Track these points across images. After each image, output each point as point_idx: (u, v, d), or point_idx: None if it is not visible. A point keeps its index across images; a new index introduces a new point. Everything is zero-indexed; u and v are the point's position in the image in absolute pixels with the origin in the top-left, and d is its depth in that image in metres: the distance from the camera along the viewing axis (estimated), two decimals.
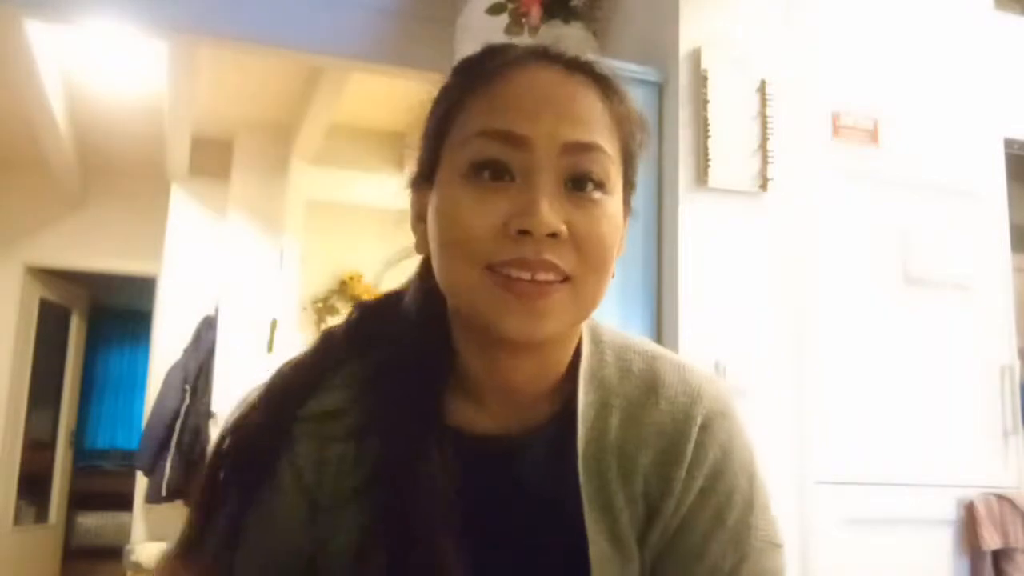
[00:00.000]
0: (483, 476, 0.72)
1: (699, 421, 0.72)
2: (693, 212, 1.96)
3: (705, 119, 1.98)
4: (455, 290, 0.69)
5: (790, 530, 1.92)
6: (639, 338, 0.80)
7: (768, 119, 2.03)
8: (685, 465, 0.71)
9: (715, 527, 0.71)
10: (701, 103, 1.99)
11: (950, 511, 2.07)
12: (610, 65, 0.73)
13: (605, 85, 0.71)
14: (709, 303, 1.95)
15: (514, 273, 0.64)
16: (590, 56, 0.72)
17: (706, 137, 1.97)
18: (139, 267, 5.66)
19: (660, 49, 2.08)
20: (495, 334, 0.67)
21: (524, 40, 2.23)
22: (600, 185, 0.68)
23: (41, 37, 3.68)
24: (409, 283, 0.81)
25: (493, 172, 0.66)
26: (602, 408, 0.73)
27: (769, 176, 2.02)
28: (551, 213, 0.64)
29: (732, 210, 2.00)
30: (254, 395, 0.77)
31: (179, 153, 4.89)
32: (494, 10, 2.31)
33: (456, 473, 0.71)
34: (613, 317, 1.89)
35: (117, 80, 4.33)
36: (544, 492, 0.73)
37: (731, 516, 0.71)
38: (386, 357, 0.75)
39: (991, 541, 2.02)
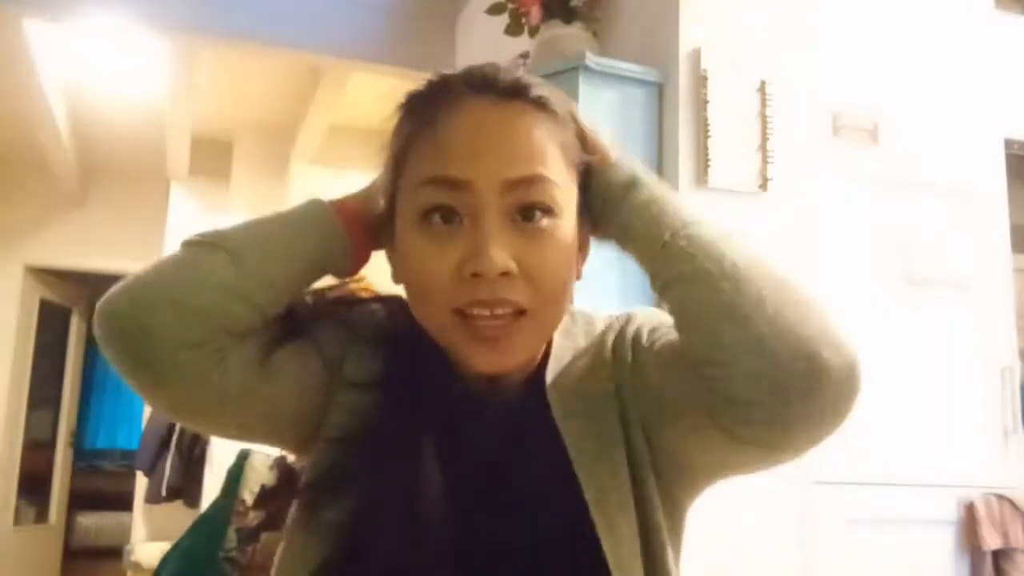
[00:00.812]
0: (469, 421, 0.77)
1: (615, 327, 0.81)
2: None
3: (705, 119, 1.98)
4: (428, 328, 0.74)
5: (790, 530, 1.92)
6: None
7: (768, 119, 2.03)
8: (629, 342, 0.78)
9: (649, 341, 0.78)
10: (701, 103, 1.99)
11: (950, 511, 2.07)
12: (541, 81, 0.75)
13: (543, 106, 0.73)
14: None
15: (476, 311, 0.69)
16: (524, 76, 0.74)
17: (706, 137, 1.97)
18: (139, 267, 5.65)
19: (660, 49, 2.08)
20: (467, 368, 0.73)
21: (523, 41, 2.24)
22: (548, 211, 0.70)
23: (41, 37, 3.68)
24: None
25: (443, 216, 0.70)
26: (572, 358, 0.79)
27: (769, 176, 2.02)
28: (499, 254, 0.67)
29: (732, 210, 2.00)
30: None
31: (179, 153, 4.89)
32: (494, 10, 2.31)
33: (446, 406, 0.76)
34: None
35: (117, 80, 4.33)
36: (528, 436, 0.76)
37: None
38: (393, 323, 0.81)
39: (991, 541, 2.02)
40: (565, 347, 0.80)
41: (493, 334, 0.69)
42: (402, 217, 0.73)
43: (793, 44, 2.14)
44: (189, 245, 0.75)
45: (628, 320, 0.82)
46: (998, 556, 2.05)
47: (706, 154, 1.97)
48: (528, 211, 0.70)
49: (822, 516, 1.95)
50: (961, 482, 2.09)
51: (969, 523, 2.05)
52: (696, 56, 2.02)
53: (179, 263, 0.73)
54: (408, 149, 0.74)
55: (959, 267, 2.21)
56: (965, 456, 2.12)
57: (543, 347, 0.79)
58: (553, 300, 0.72)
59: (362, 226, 0.78)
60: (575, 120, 0.76)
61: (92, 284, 6.53)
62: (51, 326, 6.27)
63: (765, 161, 2.02)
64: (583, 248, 0.79)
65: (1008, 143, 2.34)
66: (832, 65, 2.19)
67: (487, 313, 0.69)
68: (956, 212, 2.23)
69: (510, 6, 2.27)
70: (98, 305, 0.72)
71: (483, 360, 0.71)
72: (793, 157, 2.06)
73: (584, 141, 0.76)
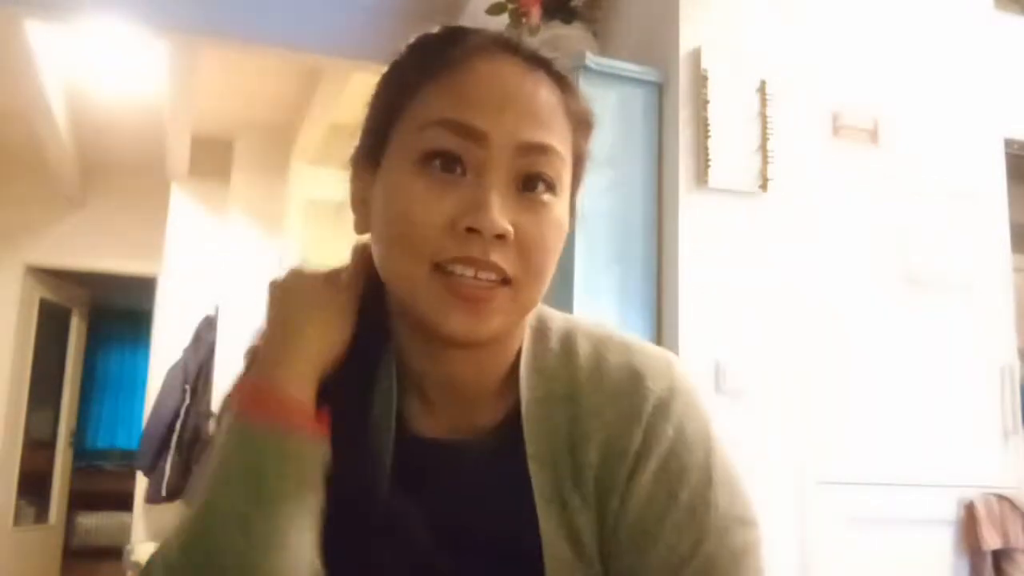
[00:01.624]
0: (434, 480, 0.71)
1: (647, 410, 0.68)
2: (693, 212, 1.96)
3: (705, 119, 1.98)
4: (398, 283, 0.67)
5: (790, 530, 1.92)
6: (594, 322, 0.77)
7: (768, 119, 2.04)
8: (628, 462, 0.67)
9: (668, 507, 0.66)
10: (701, 103, 1.99)
11: (950, 511, 2.07)
12: (564, 62, 0.72)
13: (563, 83, 0.70)
14: (709, 303, 1.95)
15: (459, 270, 0.63)
16: (548, 52, 0.71)
17: (706, 137, 1.97)
18: (139, 267, 5.66)
19: (660, 49, 2.08)
20: (436, 332, 0.65)
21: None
22: (550, 187, 0.67)
23: (41, 37, 3.68)
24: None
25: (444, 163, 0.65)
26: (548, 402, 0.70)
27: (769, 176, 2.02)
28: (501, 214, 0.63)
29: (732, 210, 2.00)
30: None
31: (179, 153, 4.89)
32: (494, 10, 2.31)
33: (401, 476, 0.69)
34: (613, 317, 1.89)
35: (117, 80, 4.33)
36: (498, 495, 0.70)
37: (684, 493, 0.66)
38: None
39: (991, 541, 2.02)
40: (538, 383, 0.71)
41: (474, 294, 0.64)
42: (395, 157, 0.67)
43: (793, 44, 2.14)
44: None
45: (666, 410, 0.69)
46: (998, 556, 2.05)
47: (706, 154, 1.97)
48: (532, 182, 0.66)
49: (822, 516, 1.95)
50: (961, 482, 2.09)
51: (969, 523, 2.05)
52: (696, 56, 2.02)
53: None
54: (417, 86, 0.68)
55: (959, 267, 2.21)
56: (965, 456, 2.12)
57: (515, 350, 0.72)
58: (537, 277, 0.66)
59: (316, 415, 0.67)
60: (581, 105, 0.72)
61: (92, 284, 6.55)
62: (51, 326, 6.27)
63: (765, 161, 2.02)
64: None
65: (1008, 143, 2.34)
66: (832, 65, 2.19)
67: (471, 274, 0.63)
68: (956, 212, 2.23)
69: (510, 6, 2.27)
70: None
71: (459, 322, 0.64)
72: (793, 157, 2.06)
73: (587, 129, 0.72)
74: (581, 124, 0.71)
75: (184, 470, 4.68)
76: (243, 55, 3.85)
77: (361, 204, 0.72)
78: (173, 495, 4.69)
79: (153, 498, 4.76)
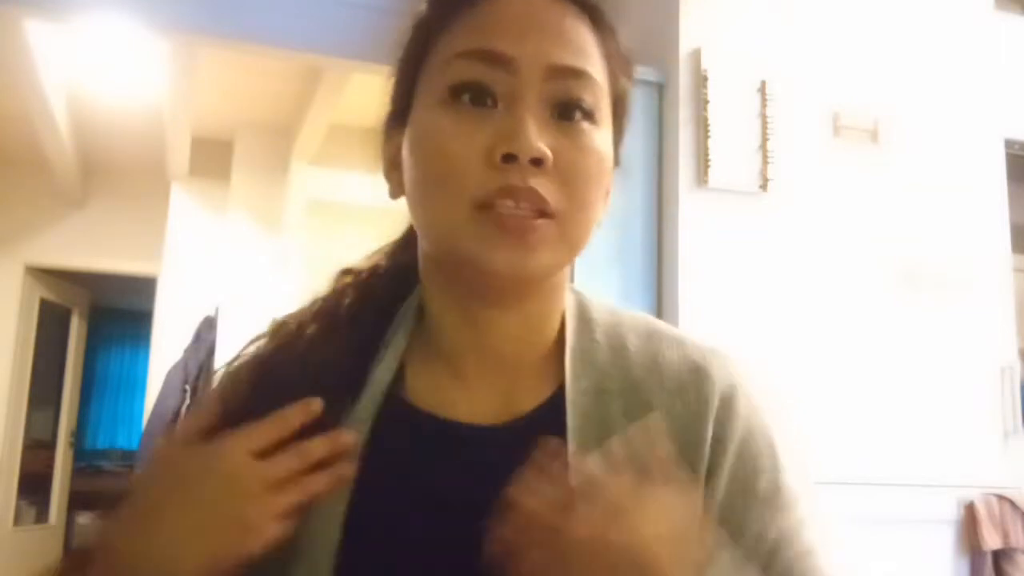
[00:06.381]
0: (452, 465, 0.65)
1: (714, 405, 0.67)
2: (693, 212, 1.96)
3: (705, 119, 1.98)
4: (438, 230, 0.64)
5: None
6: (629, 312, 0.74)
7: (768, 119, 2.04)
8: (703, 456, 0.66)
9: (747, 501, 0.66)
10: (701, 103, 2.00)
11: (950, 511, 2.07)
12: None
13: (597, 17, 0.67)
14: (709, 303, 1.95)
15: (499, 203, 0.60)
16: None
17: (706, 137, 1.97)
18: (139, 267, 5.66)
19: (660, 49, 2.08)
20: (481, 270, 0.62)
21: None
22: (589, 115, 0.64)
23: (41, 37, 3.68)
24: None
25: (474, 96, 0.62)
26: (598, 394, 0.66)
27: (769, 176, 2.02)
28: (537, 137, 0.60)
29: (732, 210, 2.00)
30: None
31: (179, 153, 4.89)
32: None
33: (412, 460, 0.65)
34: None
35: (117, 80, 4.33)
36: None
37: (760, 484, 0.67)
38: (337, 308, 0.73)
39: (991, 541, 2.02)
40: (584, 374, 0.68)
41: (519, 224, 0.60)
42: (422, 101, 0.65)
43: (793, 44, 2.14)
44: None
45: (726, 406, 0.68)
46: (998, 556, 2.05)
47: (706, 154, 1.97)
48: (568, 109, 0.63)
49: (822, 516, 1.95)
50: (961, 482, 2.09)
51: (969, 523, 2.05)
52: (696, 56, 2.02)
53: None
54: (439, 30, 0.66)
55: (959, 267, 2.21)
56: (965, 456, 2.12)
57: (558, 318, 0.69)
58: (582, 209, 0.63)
59: None
60: (619, 43, 0.68)
61: (92, 284, 6.55)
62: (51, 326, 6.27)
63: (765, 161, 2.02)
64: (606, 193, 0.69)
65: (1008, 143, 2.35)
66: (832, 65, 2.19)
67: (512, 205, 0.60)
68: (956, 212, 2.23)
69: None
70: None
71: (505, 257, 0.61)
72: (793, 157, 2.06)
73: (625, 67, 0.69)
74: (617, 61, 0.68)
75: None
76: (243, 55, 3.85)
77: (393, 169, 0.70)
78: None
79: None
